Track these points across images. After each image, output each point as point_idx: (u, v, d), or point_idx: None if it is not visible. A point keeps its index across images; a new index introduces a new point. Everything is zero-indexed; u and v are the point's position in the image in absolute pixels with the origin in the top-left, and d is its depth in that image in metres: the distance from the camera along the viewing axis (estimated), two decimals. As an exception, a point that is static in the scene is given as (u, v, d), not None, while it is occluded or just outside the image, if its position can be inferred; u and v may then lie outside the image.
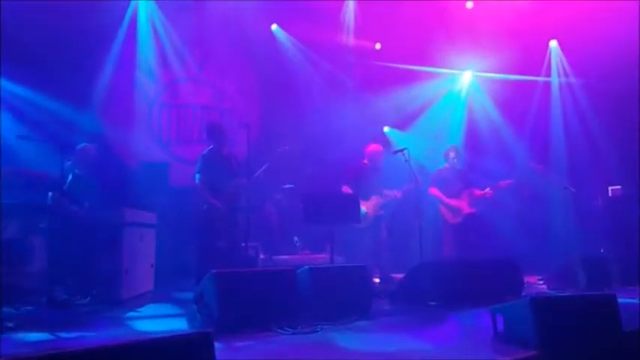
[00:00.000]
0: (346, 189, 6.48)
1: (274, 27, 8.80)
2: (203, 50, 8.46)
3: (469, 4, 8.79)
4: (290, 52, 8.86)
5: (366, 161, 6.81)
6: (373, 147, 6.84)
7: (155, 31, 8.11)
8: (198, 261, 5.82)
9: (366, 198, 6.52)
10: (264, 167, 5.91)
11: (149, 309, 5.21)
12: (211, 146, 5.86)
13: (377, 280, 6.44)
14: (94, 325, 4.33)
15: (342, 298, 4.49)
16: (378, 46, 9.23)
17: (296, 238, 7.67)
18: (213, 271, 4.06)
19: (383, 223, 6.72)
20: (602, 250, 7.29)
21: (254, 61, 8.56)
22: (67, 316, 4.57)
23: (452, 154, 7.14)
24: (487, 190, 7.05)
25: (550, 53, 9.35)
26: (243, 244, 5.60)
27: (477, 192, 7.07)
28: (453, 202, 6.99)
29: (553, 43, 9.30)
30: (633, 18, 7.72)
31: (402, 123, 9.25)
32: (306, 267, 4.58)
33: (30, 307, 4.70)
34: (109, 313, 4.81)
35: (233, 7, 8.09)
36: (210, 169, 5.72)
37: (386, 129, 9.33)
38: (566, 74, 9.23)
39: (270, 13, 8.52)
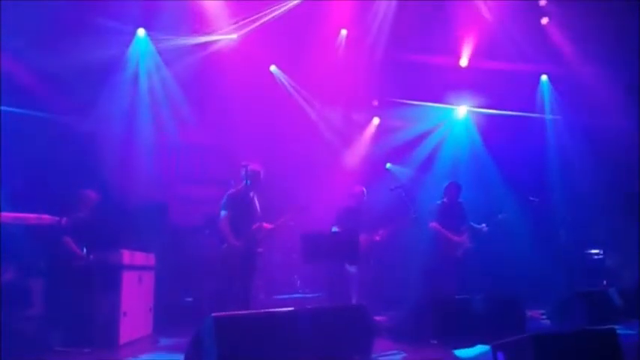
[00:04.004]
0: (336, 229, 6.59)
1: (273, 68, 8.98)
2: (204, 91, 8.59)
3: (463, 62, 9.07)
4: (289, 93, 9.02)
5: (351, 202, 6.94)
6: (356, 188, 7.04)
7: (155, 73, 8.25)
8: (211, 301, 5.78)
9: None
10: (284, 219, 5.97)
11: (148, 354, 5.14)
12: (239, 187, 5.88)
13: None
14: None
15: (342, 338, 4.44)
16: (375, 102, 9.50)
17: (296, 276, 7.63)
18: (212, 315, 4.03)
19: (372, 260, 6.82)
20: (604, 283, 7.25)
21: (255, 101, 8.68)
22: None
23: (451, 189, 7.20)
24: (483, 225, 7.12)
25: (541, 88, 9.53)
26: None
27: (475, 226, 7.12)
28: (453, 236, 7.00)
29: (544, 77, 9.50)
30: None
31: (402, 159, 9.35)
32: (305, 308, 4.56)
33: (28, 356, 4.63)
34: (107, 359, 4.74)
35: (233, 49, 8.29)
36: (234, 208, 5.72)
37: (388, 165, 9.45)
38: (553, 110, 9.41)
39: (269, 54, 8.72)
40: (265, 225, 5.82)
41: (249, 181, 5.77)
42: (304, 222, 6.70)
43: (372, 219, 6.99)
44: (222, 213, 5.74)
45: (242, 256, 5.60)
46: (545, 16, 8.79)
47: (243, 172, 5.79)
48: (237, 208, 5.71)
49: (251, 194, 5.87)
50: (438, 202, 7.29)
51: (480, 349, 4.68)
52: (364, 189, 7.03)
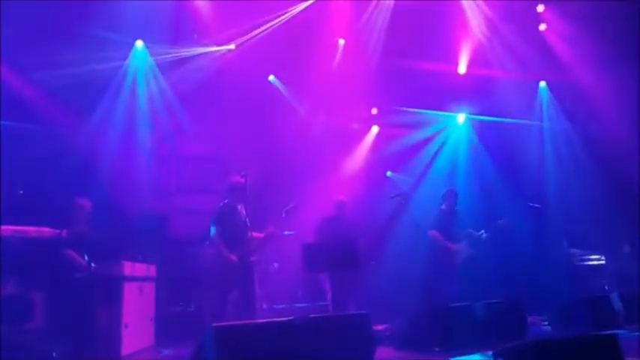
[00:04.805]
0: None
1: (271, 78, 9.02)
2: (201, 101, 8.62)
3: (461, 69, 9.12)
4: (288, 102, 9.06)
5: (332, 212, 6.99)
6: (338, 198, 7.09)
7: (153, 84, 8.28)
8: (211, 314, 5.78)
9: None
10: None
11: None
12: (227, 200, 5.90)
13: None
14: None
15: (343, 347, 4.43)
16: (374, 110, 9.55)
17: (297, 285, 7.61)
18: (213, 325, 4.04)
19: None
20: (605, 288, 7.24)
21: (254, 111, 8.71)
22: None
23: (449, 196, 7.21)
24: (482, 231, 7.12)
25: (540, 95, 9.57)
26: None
27: (475, 233, 7.12)
28: (452, 244, 7.00)
29: (542, 84, 9.53)
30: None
31: (402, 167, 9.37)
32: (306, 317, 4.55)
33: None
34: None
35: (232, 60, 8.33)
36: (225, 222, 5.75)
37: (388, 173, 9.47)
38: (551, 116, 9.44)
39: (268, 64, 8.76)
40: (255, 234, 5.81)
41: (234, 197, 5.81)
42: (301, 227, 6.72)
43: (371, 226, 7.01)
44: (212, 229, 5.76)
45: (239, 267, 5.61)
46: (543, 22, 8.86)
47: (228, 188, 5.85)
48: (228, 222, 5.74)
49: (239, 206, 5.88)
50: (437, 209, 7.30)
51: (477, 357, 4.67)
52: (346, 199, 7.09)
